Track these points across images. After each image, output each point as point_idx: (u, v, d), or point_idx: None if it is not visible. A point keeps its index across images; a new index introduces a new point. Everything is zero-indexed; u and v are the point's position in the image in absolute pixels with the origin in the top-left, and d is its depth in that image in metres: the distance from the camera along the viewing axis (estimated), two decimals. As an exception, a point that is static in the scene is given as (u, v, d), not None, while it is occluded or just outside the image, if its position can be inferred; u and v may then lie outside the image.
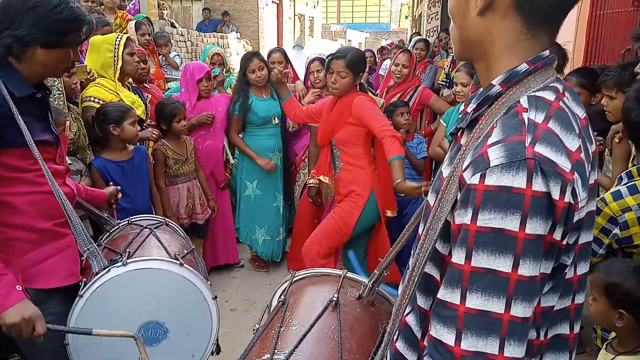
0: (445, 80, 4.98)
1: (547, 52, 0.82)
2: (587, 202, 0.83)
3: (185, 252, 1.86)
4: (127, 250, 1.72)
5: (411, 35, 10.29)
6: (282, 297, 1.38)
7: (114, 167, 2.63)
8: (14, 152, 1.49)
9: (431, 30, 9.30)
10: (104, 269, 1.58)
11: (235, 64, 9.18)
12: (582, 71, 2.87)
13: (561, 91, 0.81)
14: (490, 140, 0.74)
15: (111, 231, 2.05)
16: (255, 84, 3.55)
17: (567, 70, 3.14)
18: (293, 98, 3.20)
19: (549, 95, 0.79)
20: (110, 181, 2.60)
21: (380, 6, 35.56)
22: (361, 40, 23.07)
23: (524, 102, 0.77)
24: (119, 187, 2.16)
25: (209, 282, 1.75)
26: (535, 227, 0.69)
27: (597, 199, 1.80)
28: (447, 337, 0.73)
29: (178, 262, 1.67)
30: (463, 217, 0.74)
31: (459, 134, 0.91)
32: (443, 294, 0.75)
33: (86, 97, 2.85)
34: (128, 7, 6.22)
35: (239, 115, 3.55)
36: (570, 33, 3.98)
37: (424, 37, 8.08)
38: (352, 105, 2.74)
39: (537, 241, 0.70)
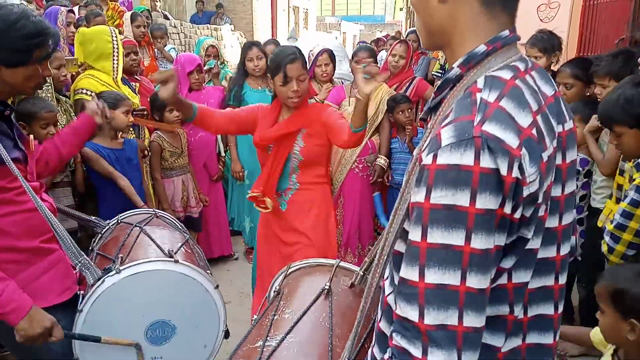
0: (440, 71, 4.97)
1: (506, 32, 0.84)
2: (565, 180, 0.85)
3: (179, 244, 1.85)
4: (119, 255, 1.71)
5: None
6: (278, 287, 1.41)
7: (107, 153, 2.61)
8: None
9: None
10: (98, 279, 1.57)
11: (229, 56, 9.11)
12: (575, 62, 2.85)
13: (522, 69, 0.83)
14: (445, 122, 0.77)
15: (102, 233, 2.03)
16: (252, 73, 3.54)
17: (562, 59, 3.13)
18: (202, 108, 2.20)
19: (506, 74, 0.80)
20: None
21: (375, -2, 35.43)
22: (356, 32, 22.96)
23: (480, 82, 0.79)
24: (101, 103, 1.96)
25: (208, 271, 1.75)
26: (485, 202, 0.72)
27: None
28: (412, 313, 0.75)
29: (173, 259, 1.67)
30: (417, 196, 0.76)
31: (428, 117, 0.93)
32: (404, 272, 0.78)
33: (78, 89, 2.83)
34: (121, 0, 6.15)
35: (233, 105, 3.52)
36: (565, 22, 3.98)
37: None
38: (323, 111, 2.30)
39: (487, 215, 0.72)
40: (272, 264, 2.38)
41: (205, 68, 3.76)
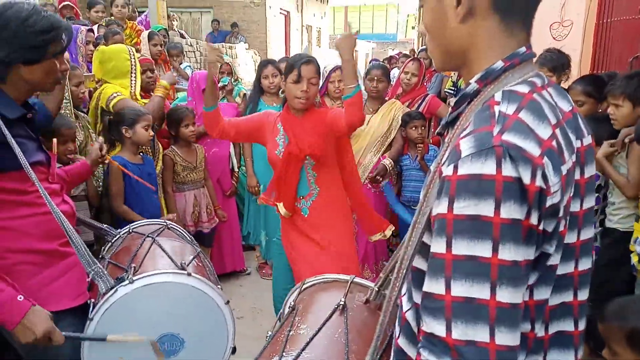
0: (452, 88, 4.99)
1: (523, 49, 0.84)
2: (583, 195, 0.85)
3: (191, 257, 1.86)
4: (132, 265, 1.71)
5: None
6: (292, 303, 1.41)
7: (132, 167, 2.67)
8: (12, 176, 1.46)
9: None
10: (111, 288, 1.56)
11: (243, 73, 9.24)
12: (587, 79, 2.84)
13: (539, 85, 0.83)
14: (464, 134, 0.77)
15: (113, 241, 2.04)
16: (267, 90, 3.60)
17: (572, 76, 3.13)
18: (218, 110, 2.37)
19: (523, 89, 0.81)
20: (129, 179, 2.62)
21: (387, 17, 35.73)
22: (368, 50, 23.14)
23: (497, 96, 0.80)
24: (102, 139, 2.08)
25: (219, 286, 1.74)
26: (510, 211, 0.70)
27: None
28: (438, 328, 0.72)
29: (185, 272, 1.67)
30: (439, 207, 0.75)
31: (445, 132, 0.93)
32: (428, 285, 0.75)
33: (111, 95, 2.87)
34: (139, 19, 6.29)
35: None
36: (578, 40, 3.98)
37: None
38: (327, 115, 2.34)
39: (513, 226, 0.70)
40: (306, 258, 2.41)
41: (219, 85, 3.82)
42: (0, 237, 1.49)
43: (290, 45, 16.15)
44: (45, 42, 1.44)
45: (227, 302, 1.72)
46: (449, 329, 0.71)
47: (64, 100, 2.56)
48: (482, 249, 0.70)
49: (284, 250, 2.61)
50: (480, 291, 0.70)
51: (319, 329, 1.22)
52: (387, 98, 3.64)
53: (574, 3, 4.07)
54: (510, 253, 0.70)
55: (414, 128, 3.34)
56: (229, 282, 3.75)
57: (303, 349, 1.15)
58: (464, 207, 0.71)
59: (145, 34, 4.56)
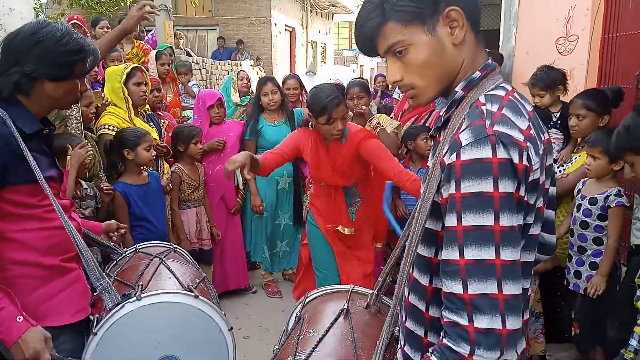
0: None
1: (490, 61, 1.04)
2: (545, 178, 1.01)
3: (198, 281, 1.85)
4: (140, 283, 1.70)
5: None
6: (298, 314, 1.49)
7: (135, 191, 2.68)
8: (23, 189, 1.48)
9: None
10: (118, 304, 1.55)
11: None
12: (587, 93, 2.81)
13: (510, 89, 1.01)
14: (461, 129, 0.93)
15: (118, 260, 2.03)
16: (267, 107, 3.61)
17: (580, 90, 3.10)
18: (263, 160, 2.53)
19: (501, 92, 0.99)
20: (133, 204, 2.63)
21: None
22: (373, 65, 23.27)
23: (481, 99, 0.97)
24: (122, 225, 2.10)
25: (223, 312, 1.73)
26: (505, 186, 0.86)
27: None
28: (456, 287, 0.87)
29: (193, 294, 1.65)
30: (448, 190, 0.90)
31: (437, 135, 1.10)
32: (445, 254, 0.91)
33: (101, 125, 2.91)
34: (146, 38, 6.35)
35: (250, 139, 3.61)
36: (584, 55, 3.96)
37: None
38: (360, 147, 2.60)
39: (508, 197, 0.87)
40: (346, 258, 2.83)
41: (243, 104, 3.94)
42: (5, 249, 1.50)
43: (296, 61, 16.27)
44: (74, 62, 1.51)
45: (231, 329, 1.69)
46: (465, 288, 0.86)
47: (75, 121, 2.57)
48: (487, 219, 0.86)
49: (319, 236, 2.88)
50: (487, 253, 0.85)
51: (327, 330, 1.33)
52: (392, 114, 3.61)
53: (579, 18, 4.07)
54: (508, 220, 0.86)
55: (425, 140, 3.30)
56: (235, 301, 3.72)
57: (315, 347, 1.26)
58: (469, 186, 0.87)
59: (153, 53, 4.60)
